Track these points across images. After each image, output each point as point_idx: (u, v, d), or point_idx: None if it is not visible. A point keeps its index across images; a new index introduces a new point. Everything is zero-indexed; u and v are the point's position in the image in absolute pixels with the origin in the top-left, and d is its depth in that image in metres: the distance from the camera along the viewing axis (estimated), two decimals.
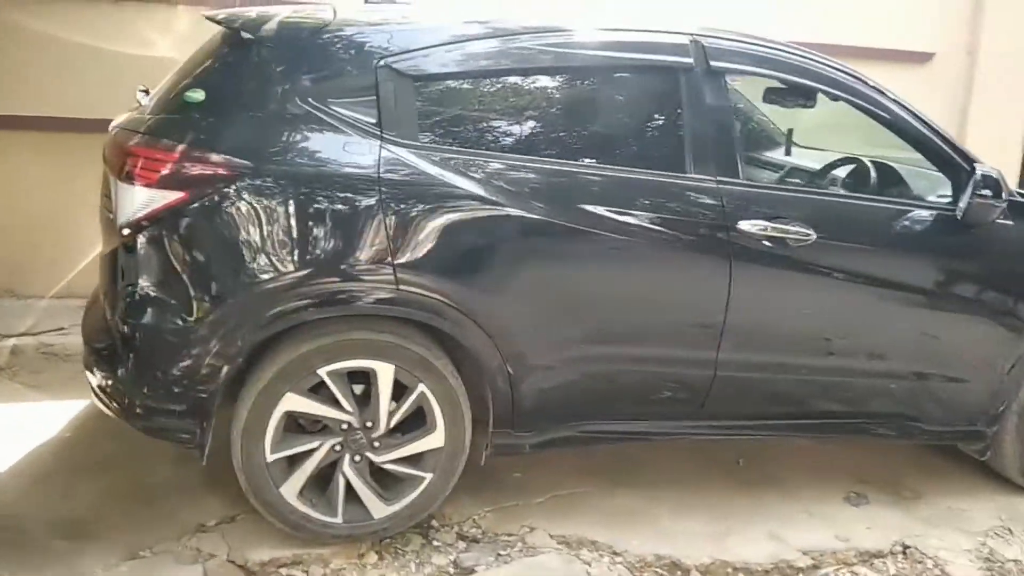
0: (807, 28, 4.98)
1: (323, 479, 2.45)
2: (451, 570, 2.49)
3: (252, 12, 2.45)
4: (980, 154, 2.86)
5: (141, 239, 2.23)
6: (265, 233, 2.21)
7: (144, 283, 2.26)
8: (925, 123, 2.77)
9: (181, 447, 2.38)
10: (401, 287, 2.28)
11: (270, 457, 2.34)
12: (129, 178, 2.21)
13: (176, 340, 2.24)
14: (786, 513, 2.90)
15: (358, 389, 2.42)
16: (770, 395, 2.78)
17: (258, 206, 2.20)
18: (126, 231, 2.24)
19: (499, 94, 2.48)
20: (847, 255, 2.67)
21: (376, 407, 2.38)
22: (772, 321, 2.65)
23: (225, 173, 2.18)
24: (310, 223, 2.23)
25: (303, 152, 2.25)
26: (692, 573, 2.58)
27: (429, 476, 2.49)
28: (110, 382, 2.36)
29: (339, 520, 2.44)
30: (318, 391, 2.36)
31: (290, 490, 2.38)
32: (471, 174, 2.33)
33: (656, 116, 2.58)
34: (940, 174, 2.89)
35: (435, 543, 2.59)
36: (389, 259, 2.26)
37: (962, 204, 2.67)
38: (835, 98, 2.72)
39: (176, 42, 4.43)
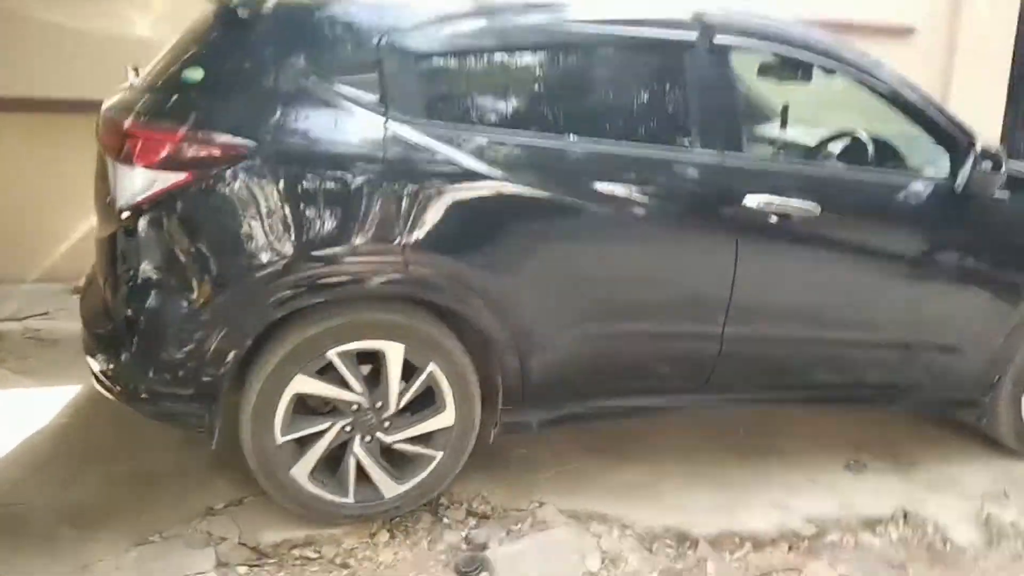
0: (792, 2, 4.99)
1: (333, 460, 2.43)
2: (463, 547, 2.49)
3: None
4: None
5: (143, 222, 2.18)
6: (271, 214, 2.17)
7: (147, 267, 2.21)
8: (924, 97, 2.79)
9: (190, 431, 2.35)
10: (410, 267, 2.26)
11: (280, 439, 2.32)
12: (129, 160, 2.16)
13: (183, 324, 2.20)
14: (789, 482, 2.94)
15: (365, 370, 2.41)
16: (774, 367, 2.81)
17: (263, 186, 2.16)
18: (126, 214, 2.19)
19: (504, 69, 2.44)
20: (850, 228, 2.69)
21: (386, 387, 2.36)
22: (777, 295, 2.67)
23: (229, 153, 2.14)
24: (317, 203, 2.19)
25: (307, 131, 2.21)
26: (701, 544, 2.60)
27: (439, 455, 2.48)
28: (113, 367, 2.31)
29: (350, 500, 2.43)
30: (327, 372, 2.33)
31: (301, 472, 2.36)
32: (477, 151, 2.30)
33: (661, 92, 2.54)
34: (935, 147, 2.91)
35: (445, 520, 2.60)
36: (398, 238, 2.23)
37: (962, 177, 2.70)
38: (838, 73, 2.72)
39: (157, 20, 4.34)
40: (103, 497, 2.56)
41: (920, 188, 2.77)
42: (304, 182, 2.18)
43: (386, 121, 2.25)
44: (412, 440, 2.46)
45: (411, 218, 2.24)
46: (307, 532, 2.45)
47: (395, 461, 2.48)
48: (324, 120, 2.22)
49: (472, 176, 2.29)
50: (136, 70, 2.65)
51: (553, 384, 2.55)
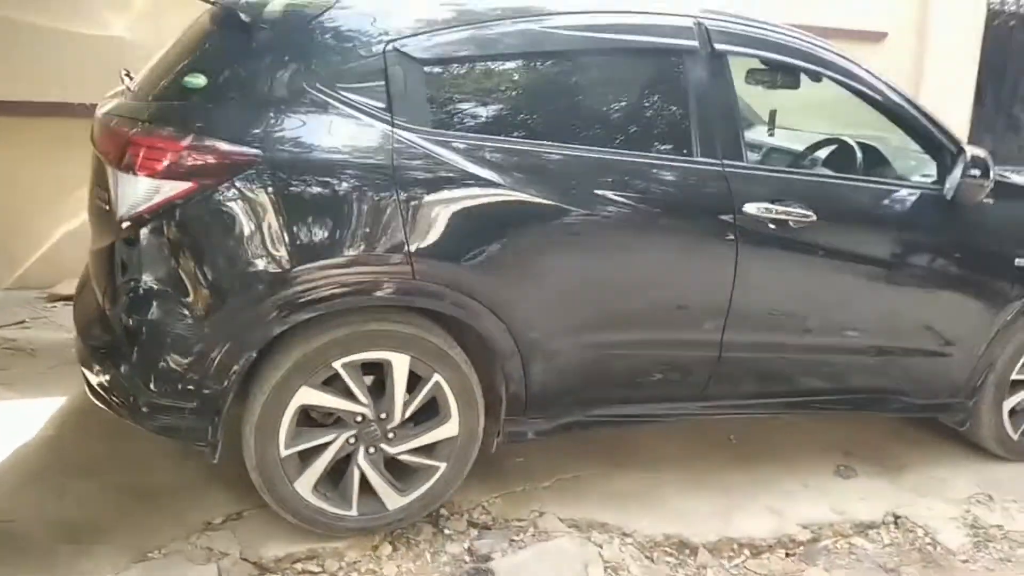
0: (767, 7, 5.06)
1: (335, 472, 2.41)
2: (466, 558, 2.48)
3: None
4: None
5: (144, 232, 2.14)
6: (276, 224, 2.14)
7: (148, 277, 2.17)
8: (915, 106, 2.85)
9: (190, 445, 2.30)
10: (417, 276, 2.24)
11: (284, 452, 2.29)
12: (131, 168, 2.11)
13: (186, 336, 2.16)
14: (782, 487, 2.98)
15: (368, 380, 2.38)
16: (770, 374, 2.84)
17: (268, 196, 2.13)
18: (126, 224, 2.15)
19: (508, 77, 2.45)
20: (844, 235, 2.74)
21: (391, 398, 2.35)
22: (773, 301, 2.70)
23: (234, 163, 2.10)
24: (323, 213, 2.17)
25: (313, 139, 2.18)
26: (700, 551, 2.63)
27: (443, 465, 2.47)
28: (111, 379, 2.26)
29: (353, 513, 2.41)
30: (331, 384, 2.31)
31: (304, 485, 2.34)
32: (483, 158, 2.30)
33: (663, 100, 2.58)
34: (921, 154, 2.98)
35: (446, 532, 2.58)
36: (405, 248, 2.21)
37: (951, 184, 2.76)
38: (832, 80, 2.76)
39: (133, 21, 4.26)
40: (99, 512, 2.50)
41: (910, 195, 2.84)
42: (310, 192, 2.16)
43: (393, 129, 2.23)
44: (416, 451, 2.44)
45: (418, 227, 2.22)
46: (309, 546, 2.42)
47: (398, 473, 2.46)
48: (330, 127, 2.20)
49: (479, 184, 2.28)
50: (129, 74, 2.60)
51: (555, 393, 2.55)
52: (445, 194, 2.26)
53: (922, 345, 2.94)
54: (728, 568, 2.59)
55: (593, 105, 2.55)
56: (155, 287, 2.16)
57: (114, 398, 2.27)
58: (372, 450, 2.38)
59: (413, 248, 2.22)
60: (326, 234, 2.17)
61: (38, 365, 3.49)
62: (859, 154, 3.13)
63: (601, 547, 2.59)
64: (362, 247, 2.19)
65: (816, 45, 2.78)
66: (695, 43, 2.53)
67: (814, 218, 2.61)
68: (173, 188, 2.09)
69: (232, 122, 2.15)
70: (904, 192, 2.85)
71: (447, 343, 2.38)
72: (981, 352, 3.02)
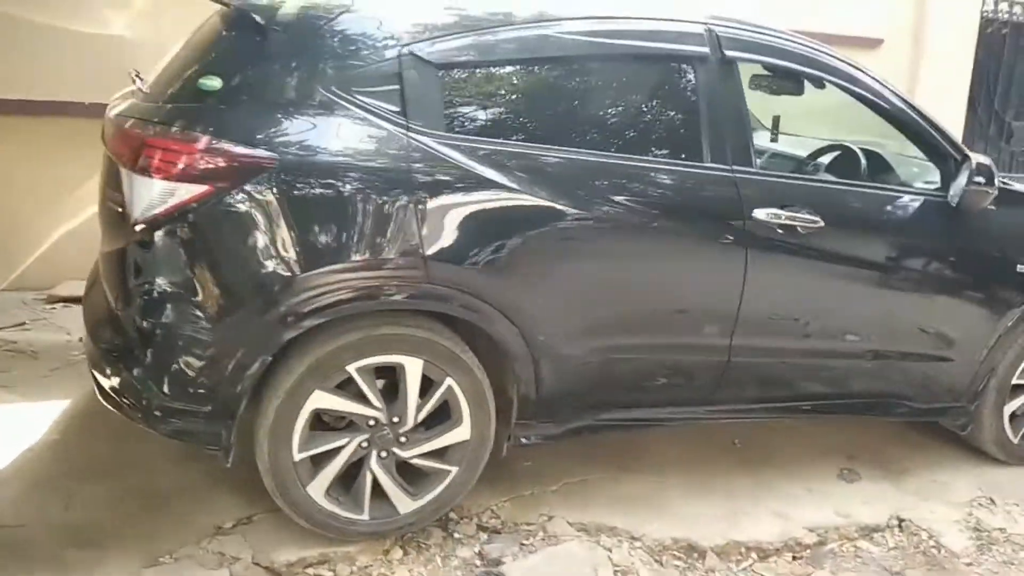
0: (764, 13, 5.10)
1: (346, 476, 2.40)
2: (477, 562, 2.49)
3: None
4: None
5: (159, 234, 2.13)
6: (292, 227, 2.13)
7: (163, 280, 2.16)
8: (920, 113, 2.88)
9: (204, 449, 2.29)
10: (432, 280, 2.25)
11: (298, 456, 2.28)
12: (146, 171, 2.10)
13: (201, 339, 2.15)
14: (787, 491, 3.00)
15: (379, 384, 2.38)
16: (777, 378, 2.86)
17: (284, 199, 2.12)
18: (141, 226, 2.13)
19: (523, 82, 2.46)
20: (850, 241, 2.76)
21: (404, 402, 2.35)
22: (782, 305, 2.72)
23: (251, 166, 2.10)
24: (338, 216, 2.16)
25: (328, 143, 2.18)
26: (708, 554, 2.64)
27: (455, 469, 2.47)
28: (124, 383, 2.25)
29: (365, 517, 2.40)
30: (344, 387, 2.30)
31: (317, 489, 2.33)
32: (497, 162, 2.31)
33: (675, 106, 2.59)
34: (923, 160, 3.02)
35: (456, 536, 2.59)
36: (420, 252, 2.22)
37: (957, 191, 2.79)
38: (837, 87, 2.78)
39: (132, 20, 4.23)
40: (107, 516, 2.48)
41: (915, 202, 2.87)
42: (325, 195, 2.15)
43: (408, 133, 2.23)
44: (427, 455, 2.44)
45: (432, 231, 2.23)
46: (321, 550, 2.42)
47: (409, 476, 2.46)
48: (346, 131, 2.20)
49: (493, 188, 2.29)
50: (139, 75, 2.59)
51: (566, 396, 2.56)
52: (460, 198, 2.26)
53: (926, 350, 2.96)
54: (736, 572, 2.61)
55: (606, 110, 2.56)
56: (170, 290, 2.15)
57: (126, 401, 2.26)
58: (384, 454, 2.38)
59: (428, 252, 2.22)
60: (341, 238, 2.17)
61: (40, 367, 3.46)
62: (863, 160, 3.16)
63: (611, 551, 2.60)
64: (377, 251, 2.19)
65: (822, 52, 2.81)
66: (706, 49, 2.55)
67: (822, 224, 2.63)
68: (189, 191, 2.08)
69: (248, 125, 2.14)
70: (909, 199, 2.88)
71: (459, 347, 2.38)
72: (983, 357, 3.05)
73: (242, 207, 2.11)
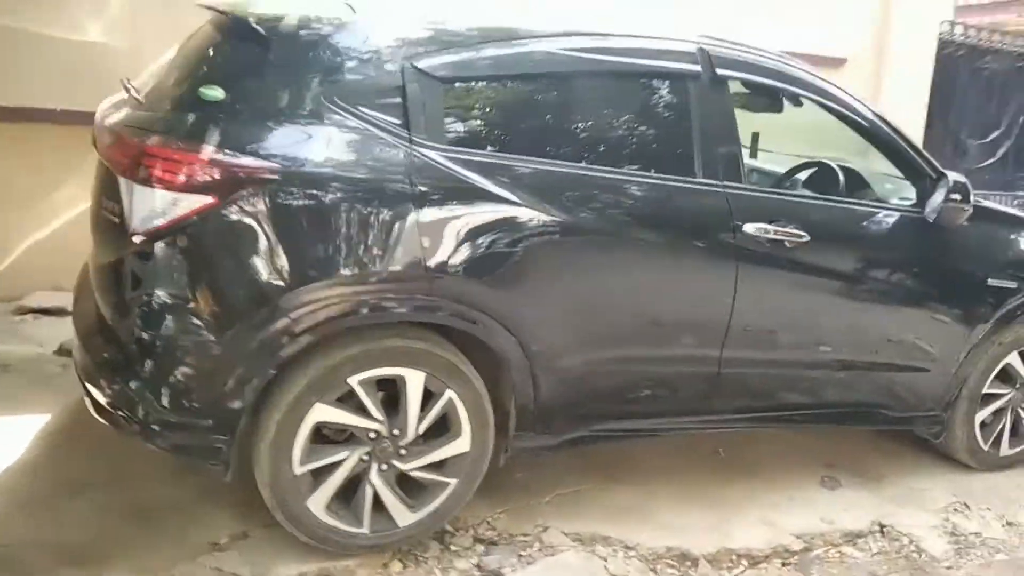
0: (735, 32, 5.24)
1: (344, 490, 2.38)
2: (476, 573, 2.49)
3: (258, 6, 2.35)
4: None
5: (160, 246, 2.11)
6: (295, 240, 2.13)
7: (163, 292, 2.13)
8: (898, 132, 2.98)
9: (205, 464, 2.26)
10: (435, 292, 2.26)
11: (298, 470, 2.26)
12: (147, 181, 2.08)
13: (203, 352, 2.13)
14: (773, 499, 3.06)
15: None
16: (765, 388, 2.93)
17: (288, 211, 2.12)
18: (140, 238, 2.11)
19: (523, 96, 2.49)
20: (834, 255, 2.85)
21: (405, 414, 2.35)
22: (770, 318, 2.79)
23: (256, 177, 2.09)
24: (342, 229, 2.16)
25: (332, 155, 2.18)
26: (700, 562, 2.69)
27: (454, 481, 2.48)
28: (120, 396, 2.20)
29: (365, 530, 2.39)
30: (345, 400, 2.30)
31: (317, 503, 2.31)
32: (498, 176, 2.33)
33: (669, 122, 2.64)
34: (898, 178, 3.12)
35: (453, 548, 2.59)
36: (423, 264, 2.23)
37: (934, 207, 2.89)
38: (819, 106, 2.87)
39: (109, 26, 4.17)
40: (99, 534, 2.42)
41: (895, 217, 2.97)
42: (328, 207, 2.15)
43: (411, 146, 2.24)
44: (427, 467, 2.44)
45: (435, 243, 2.24)
46: (320, 565, 2.40)
47: (408, 489, 2.45)
48: (349, 144, 2.20)
49: (494, 201, 2.31)
50: (130, 83, 2.56)
51: (563, 408, 2.58)
52: (462, 210, 2.28)
53: (905, 361, 3.06)
54: None
55: (602, 125, 2.60)
56: (170, 302, 2.12)
57: (122, 415, 2.22)
58: (384, 467, 2.37)
59: (431, 264, 2.23)
60: (344, 250, 2.17)
61: (13, 382, 3.36)
62: (841, 177, 3.26)
63: (606, 560, 2.62)
64: (380, 263, 2.19)
65: (807, 72, 2.90)
66: (699, 68, 2.61)
67: (808, 238, 2.71)
68: (192, 202, 2.07)
69: (250, 136, 2.13)
70: (888, 214, 2.98)
71: (459, 359, 2.39)
72: (956, 368, 3.16)
73: (245, 219, 2.09)
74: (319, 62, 2.24)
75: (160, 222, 2.08)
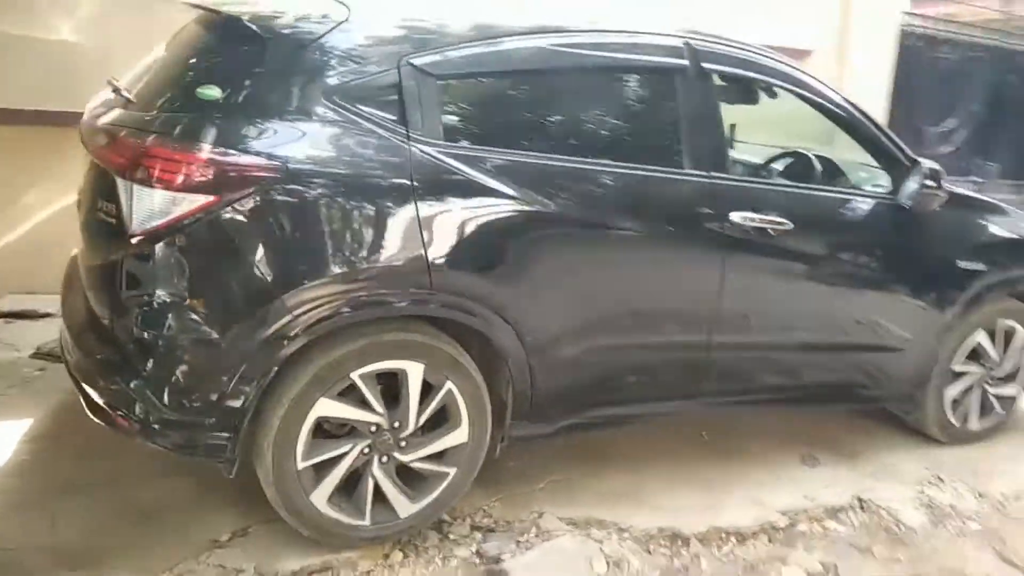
0: (703, 25, 5.34)
1: (344, 483, 2.41)
2: (476, 560, 2.53)
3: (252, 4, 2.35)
4: None
5: (160, 246, 2.10)
6: (299, 238, 2.14)
7: (165, 292, 2.12)
8: (874, 122, 3.08)
9: (209, 462, 2.26)
10: (435, 287, 2.29)
11: (301, 465, 2.28)
12: (146, 181, 2.07)
13: (206, 350, 2.13)
14: (757, 478, 3.16)
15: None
16: (752, 372, 3.02)
17: (288, 209, 2.13)
18: (139, 238, 2.10)
19: (517, 92, 2.51)
20: (816, 242, 2.94)
21: (406, 407, 2.38)
22: (756, 304, 2.87)
23: (258, 176, 2.09)
24: (344, 226, 2.18)
25: (331, 153, 2.19)
26: (692, 541, 2.76)
27: (453, 471, 2.52)
28: (119, 396, 2.19)
29: (367, 522, 2.42)
30: (345, 395, 2.32)
31: (320, 497, 2.34)
32: (494, 171, 2.36)
33: (657, 116, 2.70)
34: (871, 166, 3.22)
35: (451, 536, 2.63)
36: (423, 259, 2.25)
37: (910, 194, 3.00)
38: (799, 98, 2.96)
39: (80, 25, 4.10)
40: (96, 535, 2.42)
41: (873, 204, 3.07)
42: (329, 205, 2.17)
43: (408, 143, 2.27)
44: (426, 458, 2.47)
45: (435, 238, 2.27)
46: (323, 558, 2.42)
47: (408, 480, 2.49)
48: (347, 141, 2.21)
49: (491, 195, 2.34)
50: (118, 84, 2.53)
51: (558, 396, 2.63)
52: (460, 205, 2.31)
53: (883, 341, 3.17)
54: (719, 556, 2.73)
55: (594, 120, 2.64)
56: (171, 301, 2.12)
57: (120, 415, 2.21)
58: (385, 459, 2.40)
59: (431, 259, 2.26)
60: (346, 246, 2.18)
61: None
62: (817, 166, 3.35)
63: (601, 543, 2.68)
64: (382, 258, 2.22)
65: (786, 64, 2.97)
66: (685, 62, 2.67)
67: (791, 226, 2.79)
68: (192, 201, 2.07)
69: (250, 135, 2.13)
70: (867, 201, 3.08)
71: (457, 351, 2.43)
72: (929, 347, 3.28)
73: (245, 217, 2.10)
74: (315, 61, 2.24)
75: (160, 222, 2.07)
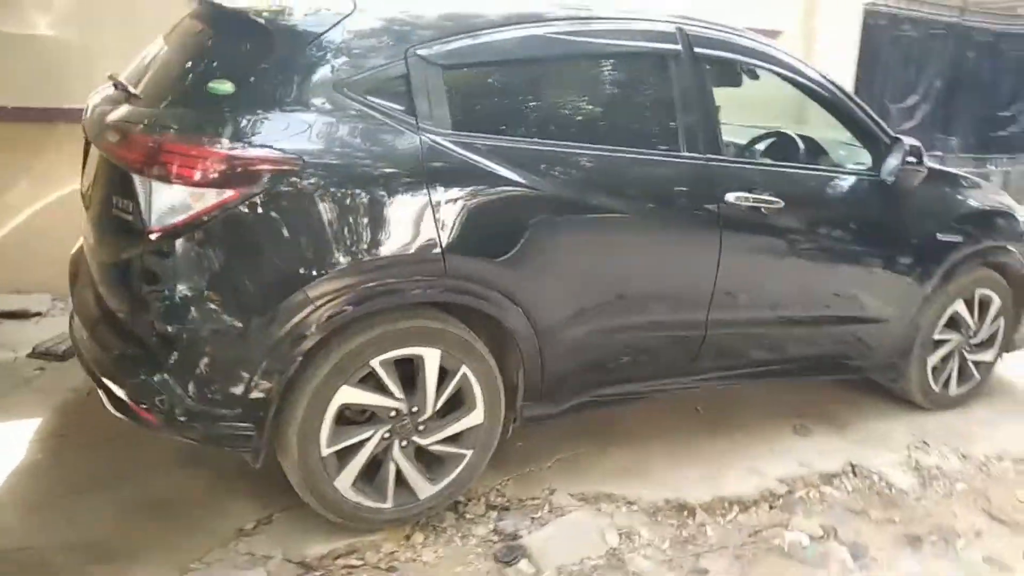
0: (681, 6, 5.43)
1: (367, 467, 2.47)
2: (494, 538, 2.61)
3: None
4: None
5: (180, 241, 2.12)
6: (317, 229, 2.18)
7: (186, 286, 2.14)
8: (856, 102, 3.19)
9: (236, 452, 2.30)
10: (450, 273, 2.34)
11: (326, 452, 2.33)
12: (164, 177, 2.09)
13: (230, 343, 2.16)
14: (753, 449, 3.27)
15: None
16: (748, 346, 3.12)
17: (306, 202, 2.16)
18: (157, 234, 2.12)
19: (521, 80, 2.56)
20: (806, 219, 3.04)
21: (423, 392, 2.43)
22: (751, 281, 2.97)
23: (278, 169, 2.12)
24: (360, 216, 2.22)
25: (345, 145, 2.23)
26: (697, 511, 2.87)
27: (469, 452, 2.59)
28: (143, 390, 2.21)
29: (389, 505, 2.48)
30: (366, 382, 2.37)
31: (344, 482, 2.39)
32: (503, 158, 2.41)
33: (655, 100, 2.76)
34: (850, 143, 3.34)
35: (468, 516, 2.70)
36: (438, 247, 2.30)
37: (892, 170, 3.12)
38: (786, 80, 3.05)
39: (58, 20, 4.04)
40: (118, 530, 2.45)
41: (858, 182, 3.18)
42: (345, 196, 2.20)
43: (418, 132, 2.31)
44: (444, 441, 2.54)
45: (448, 226, 2.32)
46: (347, 541, 2.48)
47: (426, 463, 2.55)
48: (360, 133, 2.25)
49: (500, 182, 2.40)
50: (120, 79, 2.54)
51: (567, 377, 2.71)
52: (470, 193, 2.36)
53: (870, 313, 3.30)
54: (723, 524, 2.84)
55: (596, 106, 2.71)
56: (194, 295, 2.14)
57: (144, 408, 2.23)
58: (405, 443, 2.46)
59: (445, 247, 2.31)
60: (363, 236, 2.22)
61: None
62: (801, 145, 3.46)
63: (612, 516, 2.78)
64: (398, 247, 2.26)
65: (772, 47, 3.07)
66: (679, 47, 2.75)
67: (782, 204, 2.89)
68: (212, 196, 2.09)
69: (263, 128, 2.16)
70: (851, 179, 3.19)
71: (471, 336, 2.49)
72: (912, 317, 3.41)
73: (264, 210, 2.13)
74: (324, 54, 2.27)
75: (179, 218, 2.10)
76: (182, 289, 2.15)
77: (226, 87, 2.18)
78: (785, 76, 3.06)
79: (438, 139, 2.33)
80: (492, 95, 2.52)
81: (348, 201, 2.21)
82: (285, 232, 2.15)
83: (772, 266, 3.01)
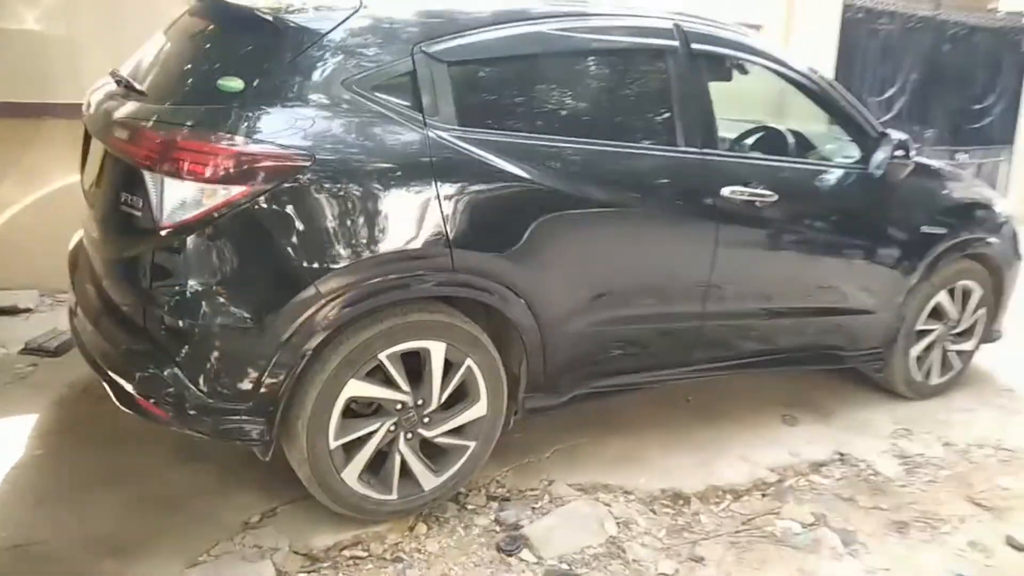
0: (664, 3, 5.48)
1: (372, 459, 2.50)
2: (496, 528, 2.66)
3: None
4: None
5: (192, 237, 2.14)
6: (326, 223, 2.20)
7: (197, 281, 2.16)
8: (844, 97, 3.26)
9: (245, 445, 2.32)
10: (457, 267, 2.38)
11: (333, 444, 2.36)
12: (176, 174, 2.10)
13: (241, 338, 2.18)
14: (744, 438, 3.35)
15: None
16: (742, 337, 3.19)
17: (318, 197, 2.19)
18: (167, 231, 2.14)
19: (524, 77, 2.59)
20: (799, 212, 3.11)
21: (429, 384, 2.47)
22: (743, 273, 3.04)
23: (288, 165, 2.14)
24: (369, 211, 2.25)
25: (353, 141, 2.25)
26: (692, 499, 2.94)
27: (473, 444, 2.63)
28: (152, 384, 2.22)
29: (394, 496, 2.52)
30: (373, 375, 2.40)
31: (351, 474, 2.42)
32: (508, 153, 2.45)
33: (654, 95, 2.81)
34: (837, 137, 3.42)
35: (469, 507, 2.74)
36: (446, 241, 2.34)
37: (880, 163, 3.20)
38: (778, 75, 3.12)
39: (45, 15, 3.99)
40: (126, 524, 2.46)
41: (848, 175, 3.26)
42: (355, 191, 2.23)
43: (427, 128, 2.34)
44: (448, 432, 2.58)
45: (456, 221, 2.35)
46: (353, 532, 2.51)
47: (430, 455, 2.59)
48: (368, 129, 2.27)
49: (504, 176, 2.43)
50: (123, 76, 2.53)
51: (568, 368, 2.76)
52: (476, 187, 2.39)
53: (858, 305, 3.38)
54: (717, 512, 2.91)
55: (599, 102, 2.75)
56: (204, 291, 2.16)
57: (154, 402, 2.24)
58: (410, 435, 2.50)
59: (452, 241, 2.34)
60: (372, 231, 2.25)
61: None
62: (790, 139, 3.53)
63: (610, 505, 2.84)
64: (407, 242, 2.29)
65: (763, 42, 3.13)
66: (676, 43, 2.80)
67: (776, 198, 2.96)
68: (223, 193, 2.11)
69: (275, 125, 2.18)
70: (840, 172, 3.27)
71: (476, 328, 2.53)
72: (896, 308, 3.51)
73: (275, 206, 2.15)
74: (331, 50, 2.29)
75: (191, 214, 2.11)
76: (193, 284, 2.16)
77: (236, 84, 2.19)
78: (779, 72, 3.12)
79: (444, 135, 2.36)
80: (497, 91, 2.55)
81: (357, 196, 2.23)
82: (295, 227, 2.17)
83: (764, 258, 3.08)
